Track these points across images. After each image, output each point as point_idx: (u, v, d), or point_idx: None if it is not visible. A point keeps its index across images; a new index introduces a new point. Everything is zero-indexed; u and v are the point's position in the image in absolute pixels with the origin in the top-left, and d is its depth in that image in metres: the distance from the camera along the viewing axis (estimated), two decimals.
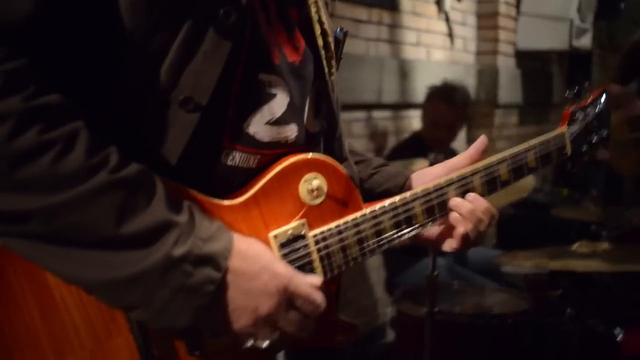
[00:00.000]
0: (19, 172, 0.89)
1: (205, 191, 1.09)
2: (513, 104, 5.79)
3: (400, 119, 4.58)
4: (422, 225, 1.28)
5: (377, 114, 4.36)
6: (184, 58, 1.01)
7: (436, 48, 4.98)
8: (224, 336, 1.06)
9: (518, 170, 1.37)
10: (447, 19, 5.06)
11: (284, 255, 1.15)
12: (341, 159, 1.32)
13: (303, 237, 1.17)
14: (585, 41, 5.85)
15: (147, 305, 0.96)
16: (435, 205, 1.29)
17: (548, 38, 5.62)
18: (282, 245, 1.15)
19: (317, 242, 1.18)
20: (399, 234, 1.26)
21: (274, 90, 1.13)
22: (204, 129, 1.05)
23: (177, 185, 1.05)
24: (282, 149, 1.18)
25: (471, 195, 1.30)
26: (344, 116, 4.06)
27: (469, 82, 5.30)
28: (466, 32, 5.40)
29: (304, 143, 1.22)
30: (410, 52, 4.64)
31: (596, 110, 1.50)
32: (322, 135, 1.31)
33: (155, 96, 1.01)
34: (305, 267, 1.17)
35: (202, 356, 1.09)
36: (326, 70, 1.26)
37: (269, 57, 1.12)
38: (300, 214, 1.16)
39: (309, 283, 1.09)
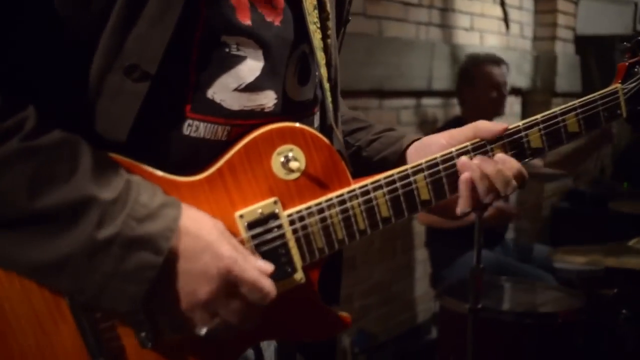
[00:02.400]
0: None
1: (166, 167, 0.98)
2: (572, 93, 5.56)
3: (451, 107, 4.43)
4: (427, 203, 1.13)
5: (427, 101, 4.23)
6: (126, 22, 0.91)
7: (490, 33, 4.81)
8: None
9: (554, 135, 1.18)
10: (503, 3, 4.88)
11: (253, 237, 1.02)
12: (326, 128, 1.18)
13: (275, 216, 1.04)
14: None
15: (81, 292, 0.89)
16: (444, 178, 1.13)
17: (610, 22, 5.37)
18: (251, 226, 1.02)
19: (292, 222, 1.05)
20: (398, 212, 1.11)
21: (242, 53, 1.01)
22: (159, 98, 0.95)
23: (126, 160, 0.95)
24: (258, 118, 1.05)
25: (500, 156, 1.15)
26: (393, 103, 3.98)
27: (525, 68, 5.11)
28: (523, 17, 5.20)
29: (285, 112, 1.08)
30: (462, 37, 4.48)
31: None
32: (315, 106, 1.18)
33: (97, 64, 0.92)
34: (279, 250, 1.04)
35: (156, 350, 0.99)
36: (313, 32, 1.11)
37: (235, 17, 1.00)
38: (273, 190, 1.04)
39: (258, 267, 0.97)
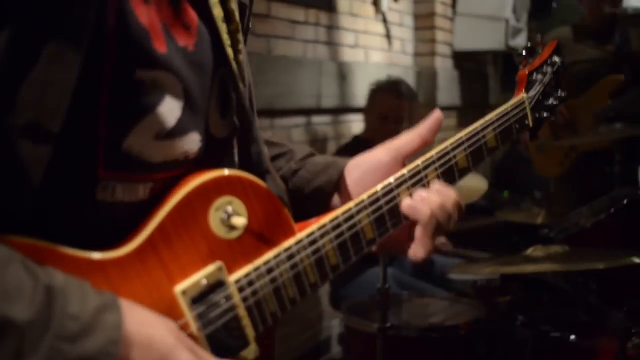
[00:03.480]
0: None
1: (78, 243, 0.79)
2: (452, 106, 5.74)
3: (340, 124, 4.44)
4: (372, 242, 1.05)
5: (317, 119, 4.21)
6: (17, 62, 0.70)
7: (374, 49, 4.87)
8: None
9: (477, 152, 1.14)
10: (385, 20, 4.96)
11: (200, 316, 0.86)
12: (262, 171, 1.03)
13: (222, 284, 0.89)
14: (520, 41, 5.85)
15: None
16: (385, 213, 1.05)
17: (484, 38, 5.59)
18: (195, 302, 0.86)
19: (241, 289, 0.90)
20: (345, 258, 1.01)
21: (160, 91, 0.82)
22: (65, 161, 0.76)
23: (32, 243, 0.75)
24: (181, 168, 0.89)
25: (437, 187, 1.08)
26: (283, 122, 3.93)
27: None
28: (404, 33, 5.31)
29: (208, 154, 0.92)
30: (348, 55, 4.51)
31: (554, 68, 1.29)
32: (233, 139, 1.01)
33: None
34: (230, 325, 0.89)
35: None
36: (229, 49, 0.95)
37: (149, 45, 0.80)
38: (215, 253, 0.89)
39: None
